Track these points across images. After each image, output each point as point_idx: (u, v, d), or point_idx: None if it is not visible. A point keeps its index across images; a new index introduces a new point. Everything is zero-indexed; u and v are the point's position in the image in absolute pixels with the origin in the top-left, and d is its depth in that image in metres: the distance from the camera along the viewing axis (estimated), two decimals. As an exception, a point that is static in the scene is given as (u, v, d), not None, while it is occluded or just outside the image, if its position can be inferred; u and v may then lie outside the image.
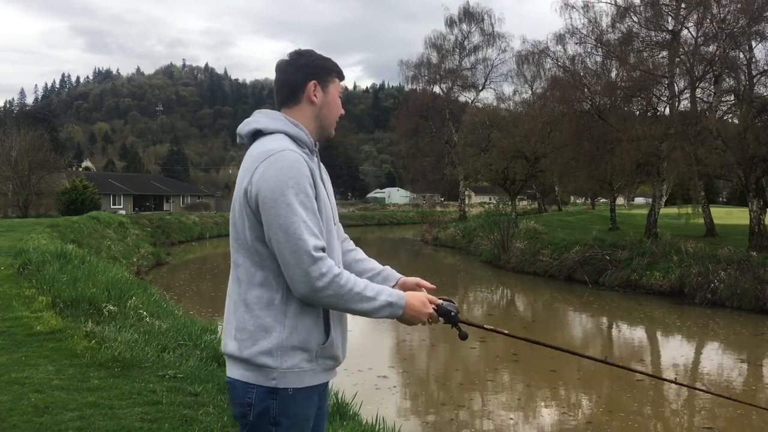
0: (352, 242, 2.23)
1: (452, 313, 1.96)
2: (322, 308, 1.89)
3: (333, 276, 1.79)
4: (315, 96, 1.98)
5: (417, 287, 2.09)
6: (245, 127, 1.98)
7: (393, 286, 2.08)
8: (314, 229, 1.80)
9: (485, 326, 2.14)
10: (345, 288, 1.80)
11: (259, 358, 1.84)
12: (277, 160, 1.82)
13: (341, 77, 2.05)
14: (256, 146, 1.91)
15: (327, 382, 2.01)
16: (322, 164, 2.05)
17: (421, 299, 1.95)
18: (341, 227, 2.16)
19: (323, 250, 1.81)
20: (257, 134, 1.95)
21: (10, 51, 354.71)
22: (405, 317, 1.91)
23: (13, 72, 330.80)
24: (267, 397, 1.84)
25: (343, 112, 2.07)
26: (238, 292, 1.90)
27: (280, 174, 1.80)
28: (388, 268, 2.19)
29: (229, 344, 1.90)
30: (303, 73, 1.98)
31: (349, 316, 2.02)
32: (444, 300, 2.01)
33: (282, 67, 2.01)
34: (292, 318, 1.84)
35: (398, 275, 2.16)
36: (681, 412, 8.45)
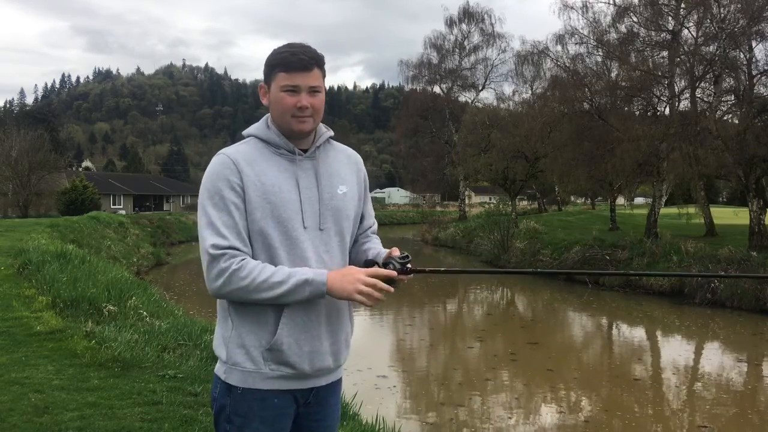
0: (371, 239, 2.11)
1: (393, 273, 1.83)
2: (271, 309, 1.82)
3: (231, 272, 1.74)
4: (265, 98, 1.93)
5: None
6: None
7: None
8: (220, 229, 1.78)
9: (426, 269, 2.02)
10: (247, 280, 1.74)
11: (216, 349, 1.92)
12: (209, 164, 1.88)
13: (288, 68, 1.84)
14: None
15: (312, 389, 1.91)
16: (319, 161, 1.94)
17: (344, 273, 1.80)
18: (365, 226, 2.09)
19: (229, 248, 1.76)
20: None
21: (11, 51, 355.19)
22: (334, 292, 1.78)
23: (13, 72, 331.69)
24: (225, 394, 1.88)
25: (300, 104, 1.84)
26: None
27: (204, 178, 1.86)
28: (381, 251, 2.03)
29: None
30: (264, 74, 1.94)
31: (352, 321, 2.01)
32: (401, 256, 1.89)
33: None
34: (235, 316, 1.86)
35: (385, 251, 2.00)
36: (679, 411, 8.45)
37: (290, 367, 1.85)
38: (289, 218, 1.84)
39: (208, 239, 1.77)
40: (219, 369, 1.92)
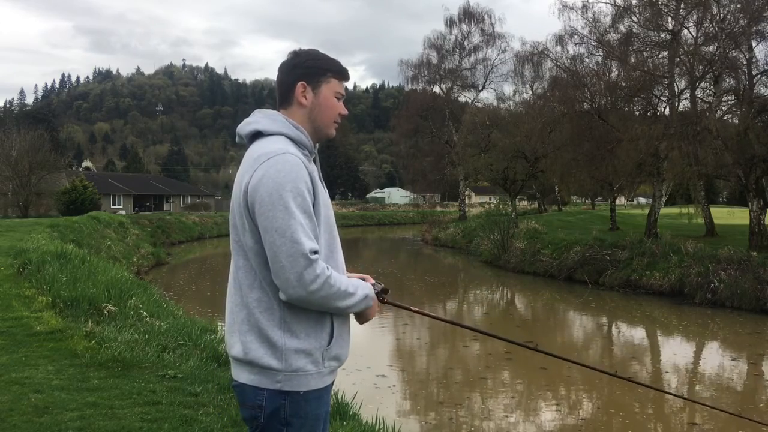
0: None
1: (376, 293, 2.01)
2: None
3: (325, 278, 1.79)
4: (304, 98, 1.97)
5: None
6: (246, 127, 1.97)
7: None
8: (310, 233, 1.80)
9: (411, 308, 2.23)
10: (334, 288, 1.81)
11: (263, 360, 1.84)
12: (276, 162, 1.81)
13: (341, 77, 2.01)
14: (256, 148, 1.90)
15: (332, 382, 2.02)
16: (319, 167, 2.04)
17: (376, 300, 1.99)
18: None
19: (316, 252, 1.80)
20: (257, 135, 1.94)
21: (12, 51, 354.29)
22: (370, 310, 1.97)
23: (14, 72, 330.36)
24: (278, 398, 1.84)
25: (345, 112, 2.04)
26: (240, 294, 1.90)
27: (279, 177, 1.79)
28: None
29: (234, 347, 1.90)
30: (294, 74, 1.98)
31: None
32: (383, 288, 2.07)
33: (280, 67, 2.04)
34: (293, 321, 1.84)
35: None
36: (678, 411, 8.45)
37: (338, 360, 1.96)
38: (333, 222, 1.98)
39: (305, 242, 1.76)
40: (264, 380, 1.85)
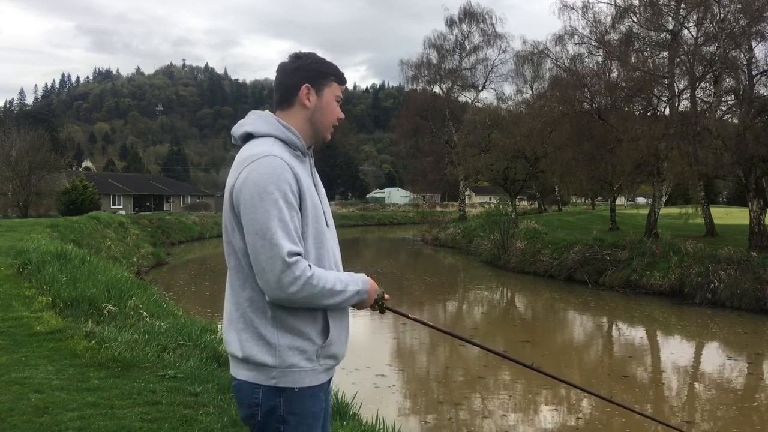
0: None
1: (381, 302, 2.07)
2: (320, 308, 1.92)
3: (306, 279, 1.80)
4: (308, 100, 2.00)
5: None
6: (238, 129, 2.01)
7: None
8: (291, 234, 1.82)
9: (409, 315, 2.26)
10: (317, 287, 1.82)
11: (258, 357, 1.86)
12: (259, 165, 1.84)
13: (341, 81, 2.05)
14: (244, 150, 1.94)
15: (330, 380, 2.03)
16: (314, 168, 2.06)
17: (374, 285, 2.01)
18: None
19: (298, 254, 1.82)
20: (249, 137, 1.97)
21: (12, 50, 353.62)
22: (364, 302, 1.99)
23: (15, 71, 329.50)
24: (274, 396, 1.86)
25: (341, 116, 2.07)
26: (233, 293, 1.93)
27: (260, 179, 1.82)
28: None
29: (231, 344, 1.93)
30: (298, 76, 2.00)
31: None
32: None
33: (280, 69, 2.05)
34: (286, 319, 1.86)
35: None
36: (679, 410, 8.45)
37: (334, 358, 1.97)
38: (320, 220, 1.95)
39: (284, 245, 1.79)
40: (259, 376, 1.88)
